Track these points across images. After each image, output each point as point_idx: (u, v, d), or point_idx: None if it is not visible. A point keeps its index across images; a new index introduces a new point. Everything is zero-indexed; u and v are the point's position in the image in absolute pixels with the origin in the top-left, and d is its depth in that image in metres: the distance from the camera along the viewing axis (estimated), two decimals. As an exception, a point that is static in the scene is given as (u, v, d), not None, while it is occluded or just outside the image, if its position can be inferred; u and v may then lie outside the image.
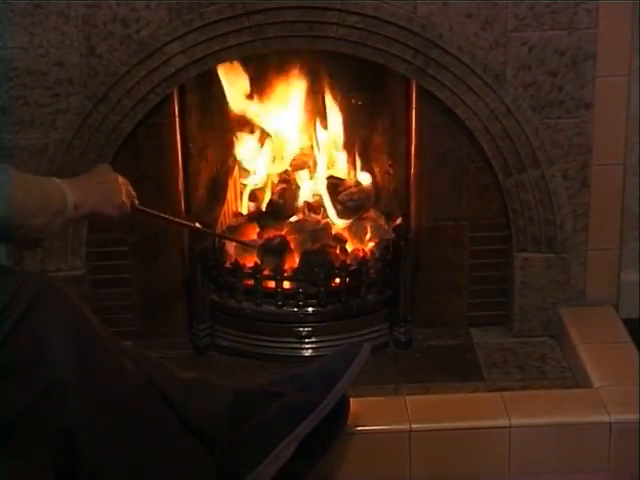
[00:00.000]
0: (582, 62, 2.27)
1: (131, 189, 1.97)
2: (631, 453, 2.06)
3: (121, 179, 1.95)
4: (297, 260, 2.42)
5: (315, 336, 2.40)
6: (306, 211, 2.53)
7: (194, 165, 2.47)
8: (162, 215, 2.18)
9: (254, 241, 2.48)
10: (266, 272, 2.38)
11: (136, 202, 1.99)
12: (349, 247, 2.48)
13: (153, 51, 2.24)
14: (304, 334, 2.40)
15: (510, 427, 2.08)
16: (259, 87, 2.52)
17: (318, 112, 2.56)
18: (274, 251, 2.42)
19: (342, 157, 2.59)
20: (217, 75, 2.41)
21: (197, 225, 2.37)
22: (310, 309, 2.39)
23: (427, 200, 2.42)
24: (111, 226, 1.98)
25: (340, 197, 2.53)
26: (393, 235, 2.43)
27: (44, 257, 2.36)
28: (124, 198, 1.93)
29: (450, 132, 2.35)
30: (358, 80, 2.48)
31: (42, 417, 1.65)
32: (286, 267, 2.41)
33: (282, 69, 2.49)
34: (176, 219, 2.30)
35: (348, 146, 2.57)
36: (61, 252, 2.36)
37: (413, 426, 2.08)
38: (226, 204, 2.58)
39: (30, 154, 2.29)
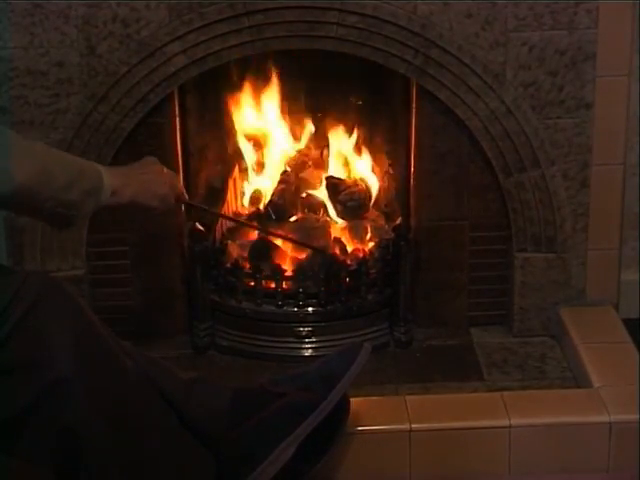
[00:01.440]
0: (582, 62, 2.27)
1: (177, 182, 1.97)
2: (631, 453, 2.06)
3: (167, 171, 1.94)
4: (297, 260, 2.42)
5: (315, 336, 2.40)
6: (306, 211, 2.54)
7: (194, 165, 2.47)
8: (210, 210, 2.17)
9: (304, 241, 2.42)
10: (266, 272, 2.38)
11: (186, 196, 1.98)
12: (349, 247, 2.48)
13: (153, 51, 2.24)
14: (304, 334, 2.40)
15: (510, 427, 2.08)
16: (259, 87, 2.53)
17: (318, 112, 2.56)
18: (260, 255, 2.41)
19: (342, 157, 2.59)
20: (217, 75, 2.41)
21: (245, 221, 2.36)
22: (310, 309, 2.39)
23: (427, 200, 2.42)
24: (155, 218, 1.98)
25: (340, 197, 2.53)
26: (393, 235, 2.43)
27: (44, 257, 2.36)
28: (167, 190, 1.92)
29: (450, 132, 2.35)
30: (358, 80, 2.48)
31: (43, 416, 1.65)
32: (286, 267, 2.40)
33: (282, 69, 2.49)
34: (224, 214, 2.29)
35: (348, 146, 2.57)
36: (61, 252, 2.36)
37: (413, 426, 2.08)
38: (226, 204, 2.58)
39: (30, 154, 2.29)
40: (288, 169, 2.57)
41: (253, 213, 2.57)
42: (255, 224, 2.46)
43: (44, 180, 1.66)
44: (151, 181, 1.90)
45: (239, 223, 2.41)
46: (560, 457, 2.09)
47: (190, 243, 2.41)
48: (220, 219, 2.49)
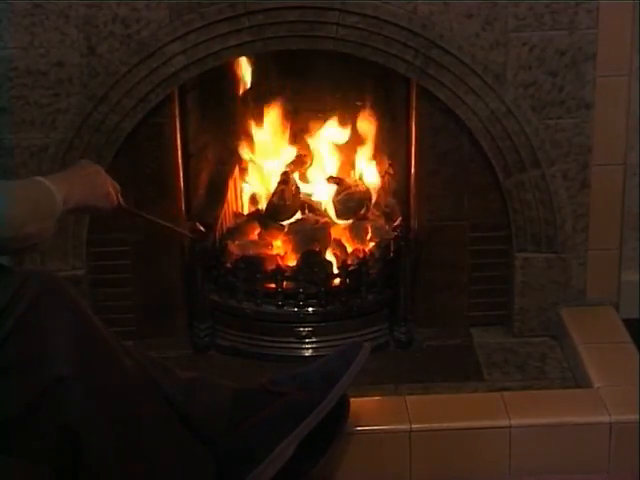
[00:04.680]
0: (582, 62, 2.27)
1: (115, 183, 1.96)
2: (631, 453, 2.06)
3: (103, 172, 1.94)
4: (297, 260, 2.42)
5: (315, 336, 2.40)
6: (306, 211, 2.54)
7: (194, 165, 2.47)
8: (144, 215, 2.16)
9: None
10: (267, 272, 2.38)
11: (121, 199, 1.98)
12: (349, 247, 2.48)
13: (153, 51, 2.24)
14: (304, 334, 2.40)
15: (510, 427, 2.08)
16: (259, 87, 2.53)
17: (318, 112, 2.56)
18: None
19: (342, 157, 2.59)
20: (217, 75, 2.41)
21: (182, 229, 2.35)
22: (310, 309, 2.39)
23: (427, 200, 2.42)
24: (103, 218, 2.00)
25: (340, 197, 2.53)
26: (393, 235, 2.43)
27: (44, 257, 2.35)
28: (110, 189, 1.92)
29: (450, 132, 2.35)
30: (358, 80, 2.48)
31: (43, 416, 1.65)
32: (286, 267, 2.41)
33: (282, 69, 2.49)
34: (158, 220, 2.26)
35: (348, 146, 2.57)
36: (61, 252, 2.36)
37: (413, 426, 2.08)
38: (226, 204, 2.58)
39: (30, 154, 2.29)
40: (288, 169, 2.57)
41: (254, 213, 2.58)
42: (183, 230, 2.38)
43: (6, 222, 1.66)
44: (94, 182, 1.89)
45: (173, 231, 2.35)
46: (560, 457, 2.09)
47: (190, 243, 2.41)
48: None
